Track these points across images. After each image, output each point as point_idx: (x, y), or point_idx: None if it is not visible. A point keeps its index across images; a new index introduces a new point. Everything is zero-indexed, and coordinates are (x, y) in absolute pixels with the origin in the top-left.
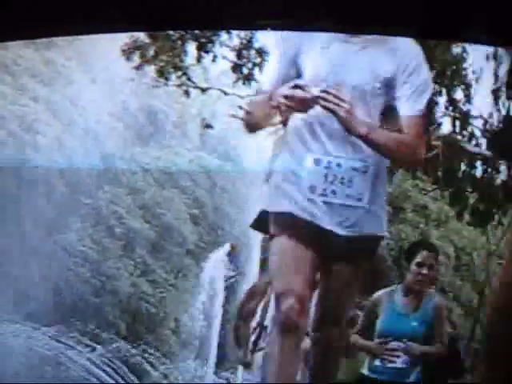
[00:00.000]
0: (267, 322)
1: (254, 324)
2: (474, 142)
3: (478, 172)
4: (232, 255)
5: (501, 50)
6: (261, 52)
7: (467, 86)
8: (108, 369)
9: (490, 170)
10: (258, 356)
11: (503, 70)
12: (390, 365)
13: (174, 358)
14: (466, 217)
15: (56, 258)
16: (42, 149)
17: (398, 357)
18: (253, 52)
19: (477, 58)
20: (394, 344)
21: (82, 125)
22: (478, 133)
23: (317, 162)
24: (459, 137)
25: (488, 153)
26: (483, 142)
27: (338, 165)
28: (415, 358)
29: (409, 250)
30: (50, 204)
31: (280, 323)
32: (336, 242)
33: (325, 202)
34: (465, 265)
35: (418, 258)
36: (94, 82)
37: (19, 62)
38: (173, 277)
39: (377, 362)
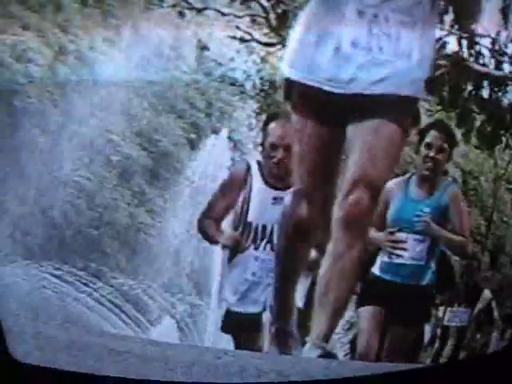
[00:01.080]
0: (251, 218)
1: (230, 222)
2: (481, 62)
3: (485, 92)
4: None
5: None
6: None
7: (474, 4)
8: (109, 304)
9: (497, 90)
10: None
11: None
12: (397, 260)
13: (174, 290)
14: (473, 139)
15: (52, 189)
16: (34, 78)
17: (405, 250)
18: None
19: None
20: (402, 235)
21: (75, 52)
22: (485, 52)
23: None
24: (466, 56)
25: (496, 72)
26: (491, 61)
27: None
28: (431, 245)
29: (420, 131)
30: (44, 134)
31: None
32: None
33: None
34: (472, 189)
35: (427, 139)
36: (85, 5)
37: None
38: (171, 205)
39: (385, 258)
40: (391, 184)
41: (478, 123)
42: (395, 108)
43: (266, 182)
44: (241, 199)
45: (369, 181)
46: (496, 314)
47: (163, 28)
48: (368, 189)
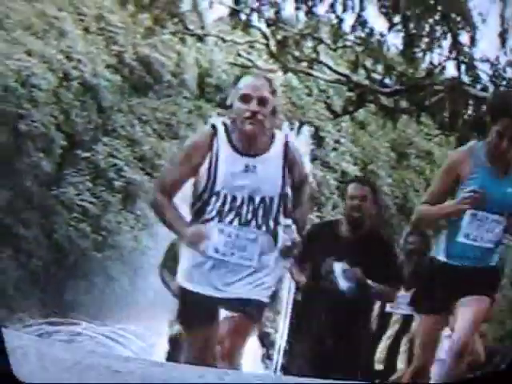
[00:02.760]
0: (219, 187)
1: (190, 193)
2: (479, 87)
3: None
4: None
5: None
6: None
7: (472, 29)
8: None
9: None
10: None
11: (510, 12)
12: (478, 243)
13: None
14: None
15: (56, 213)
16: (38, 102)
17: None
18: None
19: None
20: (482, 213)
21: (78, 78)
22: (484, 77)
23: None
24: (465, 80)
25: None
26: (490, 85)
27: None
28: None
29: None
30: (49, 158)
31: None
32: None
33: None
34: None
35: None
36: (87, 32)
37: (11, 15)
38: None
39: (461, 238)
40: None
41: None
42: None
43: (234, 147)
44: (206, 166)
45: None
46: None
47: (165, 54)
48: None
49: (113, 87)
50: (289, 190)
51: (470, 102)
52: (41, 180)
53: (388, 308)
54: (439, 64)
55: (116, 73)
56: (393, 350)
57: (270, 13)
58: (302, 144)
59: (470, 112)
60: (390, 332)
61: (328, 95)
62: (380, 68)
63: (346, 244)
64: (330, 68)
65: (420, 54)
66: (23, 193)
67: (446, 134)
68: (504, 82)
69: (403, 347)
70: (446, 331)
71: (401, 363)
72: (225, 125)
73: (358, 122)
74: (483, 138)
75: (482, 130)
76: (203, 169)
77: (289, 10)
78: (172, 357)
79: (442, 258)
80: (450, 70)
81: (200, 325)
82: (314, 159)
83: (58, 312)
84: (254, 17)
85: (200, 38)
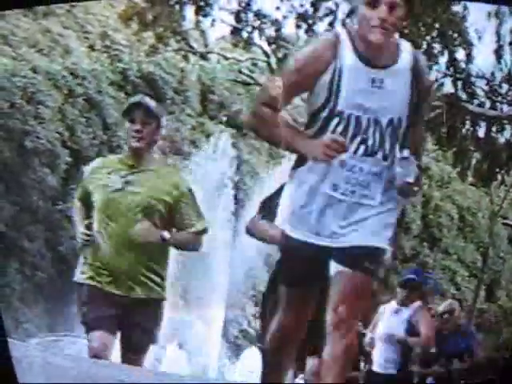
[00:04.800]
0: (342, 106)
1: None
2: (476, 102)
3: (481, 132)
4: None
5: (503, 8)
6: (259, 15)
7: (469, 46)
8: None
9: (493, 129)
10: None
11: (506, 29)
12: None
13: None
14: (469, 177)
15: (61, 227)
16: (44, 119)
17: None
18: (251, 15)
19: (478, 16)
20: None
21: (83, 95)
22: (480, 93)
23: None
24: (461, 96)
25: (492, 112)
26: (487, 101)
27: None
28: None
29: None
30: (54, 174)
31: None
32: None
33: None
34: (468, 226)
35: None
36: (92, 50)
37: (17, 33)
38: None
39: None
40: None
41: (474, 161)
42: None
43: (360, 57)
44: (326, 78)
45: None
46: None
47: (168, 72)
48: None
49: (117, 104)
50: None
51: (467, 117)
52: (46, 195)
53: None
54: (436, 80)
55: (120, 90)
56: None
57: (271, 31)
58: None
59: (467, 127)
60: None
61: None
62: None
63: None
64: None
65: None
66: (29, 207)
67: (444, 149)
68: (500, 98)
69: None
70: None
71: None
72: (349, 33)
73: None
74: (479, 152)
75: (477, 144)
76: (323, 81)
77: (289, 28)
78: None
79: None
80: (447, 87)
81: (304, 283)
82: None
83: (62, 323)
84: (256, 35)
85: (203, 56)
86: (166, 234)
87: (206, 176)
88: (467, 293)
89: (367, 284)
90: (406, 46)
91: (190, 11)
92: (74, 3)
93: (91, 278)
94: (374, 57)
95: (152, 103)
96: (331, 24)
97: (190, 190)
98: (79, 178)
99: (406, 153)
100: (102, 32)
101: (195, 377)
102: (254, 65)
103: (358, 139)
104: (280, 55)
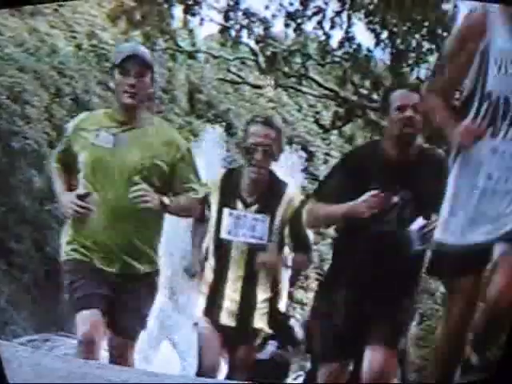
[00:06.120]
0: (491, 86)
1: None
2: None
3: None
4: None
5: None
6: (248, 13)
7: None
8: None
9: None
10: None
11: None
12: None
13: None
14: None
15: (49, 227)
16: (31, 119)
17: None
18: (240, 14)
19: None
20: None
21: (71, 94)
22: None
23: None
24: None
25: None
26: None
27: None
28: None
29: None
30: (41, 174)
31: None
32: None
33: None
34: None
35: None
36: (80, 49)
37: (4, 32)
38: None
39: None
40: None
41: None
42: None
43: None
44: (477, 60)
45: None
46: None
47: (156, 71)
48: None
49: (105, 103)
50: None
51: None
52: (33, 195)
53: None
54: (426, 79)
55: (108, 89)
56: None
57: (259, 29)
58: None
59: None
60: None
61: (317, 110)
62: (368, 83)
63: (392, 168)
64: (318, 83)
65: (407, 69)
66: (16, 208)
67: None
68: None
69: None
70: None
71: None
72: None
73: (347, 136)
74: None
75: None
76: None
77: (278, 26)
78: None
79: None
80: None
81: (468, 272)
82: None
83: (51, 324)
84: (244, 33)
85: (191, 55)
86: (167, 200)
87: None
88: None
89: None
90: None
91: (178, 10)
92: (61, 2)
93: (79, 253)
94: None
95: (146, 50)
96: (320, 22)
97: (190, 151)
98: (60, 136)
99: None
100: (90, 31)
101: (187, 377)
102: (243, 63)
103: (507, 122)
104: (268, 53)
